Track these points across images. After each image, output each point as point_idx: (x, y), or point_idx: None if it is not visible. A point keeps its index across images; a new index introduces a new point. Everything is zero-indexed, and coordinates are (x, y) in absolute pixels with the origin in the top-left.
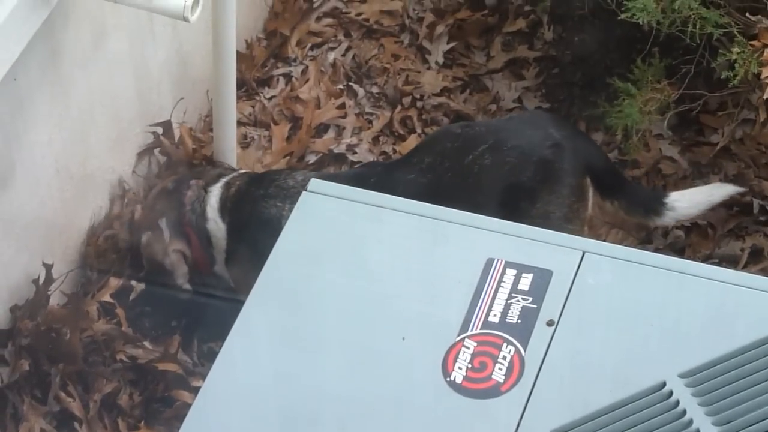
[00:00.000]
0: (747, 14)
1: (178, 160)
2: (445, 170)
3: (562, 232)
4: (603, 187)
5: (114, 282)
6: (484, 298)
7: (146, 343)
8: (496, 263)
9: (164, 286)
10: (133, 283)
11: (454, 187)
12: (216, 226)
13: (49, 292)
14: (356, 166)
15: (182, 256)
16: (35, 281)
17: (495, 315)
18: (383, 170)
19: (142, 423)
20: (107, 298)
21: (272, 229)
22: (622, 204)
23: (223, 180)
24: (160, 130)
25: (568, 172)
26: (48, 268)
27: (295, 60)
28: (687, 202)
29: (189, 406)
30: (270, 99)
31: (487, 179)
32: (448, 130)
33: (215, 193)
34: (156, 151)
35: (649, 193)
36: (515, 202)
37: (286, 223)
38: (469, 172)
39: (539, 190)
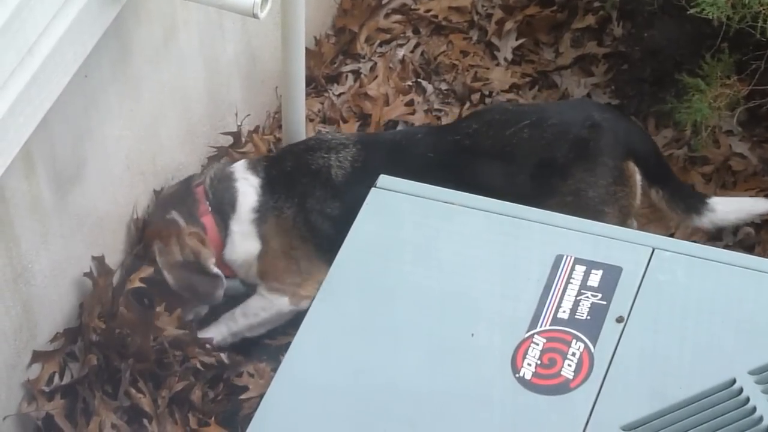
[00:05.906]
0: None
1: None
2: (487, 138)
3: (597, 213)
4: (648, 173)
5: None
6: (553, 295)
7: (223, 356)
8: (566, 260)
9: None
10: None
11: (491, 154)
12: (247, 182)
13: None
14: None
15: (200, 239)
16: (88, 274)
17: (564, 311)
18: (430, 129)
19: (213, 419)
20: (138, 283)
21: (320, 181)
22: (666, 195)
23: (240, 161)
24: (230, 139)
25: (604, 152)
26: (102, 264)
27: (363, 57)
28: (729, 206)
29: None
30: (339, 96)
31: (522, 151)
32: (501, 105)
33: (240, 163)
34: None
35: (692, 191)
36: (546, 176)
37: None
38: (507, 143)
39: (571, 168)
